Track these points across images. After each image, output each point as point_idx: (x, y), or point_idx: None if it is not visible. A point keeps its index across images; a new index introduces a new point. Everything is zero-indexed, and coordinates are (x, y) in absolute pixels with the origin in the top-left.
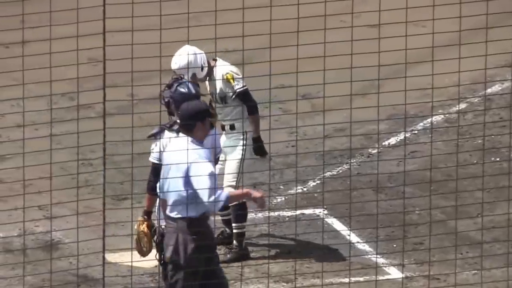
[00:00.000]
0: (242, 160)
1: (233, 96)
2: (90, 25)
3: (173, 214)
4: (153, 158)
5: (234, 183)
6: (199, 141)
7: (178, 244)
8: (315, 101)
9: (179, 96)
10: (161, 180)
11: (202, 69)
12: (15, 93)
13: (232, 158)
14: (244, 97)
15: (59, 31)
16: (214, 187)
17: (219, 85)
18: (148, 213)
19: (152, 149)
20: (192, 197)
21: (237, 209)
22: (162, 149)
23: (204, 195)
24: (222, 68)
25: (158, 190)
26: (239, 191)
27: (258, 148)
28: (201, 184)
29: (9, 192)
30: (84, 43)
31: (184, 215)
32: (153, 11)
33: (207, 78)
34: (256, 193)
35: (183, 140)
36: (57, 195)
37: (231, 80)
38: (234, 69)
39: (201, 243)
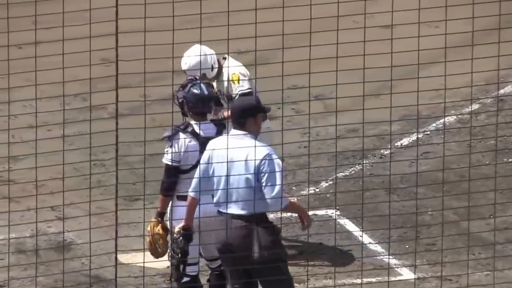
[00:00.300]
0: None
1: (236, 97)
2: (103, 26)
3: (244, 211)
4: (167, 160)
5: None
6: (255, 136)
7: (259, 241)
8: (328, 102)
9: (192, 97)
10: (207, 179)
11: (212, 69)
12: (27, 93)
13: None
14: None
15: (71, 32)
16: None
17: (226, 84)
18: (161, 215)
19: (166, 151)
20: (259, 192)
21: None
22: (178, 150)
23: (274, 191)
24: (231, 68)
25: (194, 190)
26: (298, 205)
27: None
28: (273, 180)
29: (22, 192)
30: (96, 43)
31: (259, 210)
32: (165, 11)
33: (217, 77)
34: (308, 217)
35: (244, 137)
36: (70, 196)
37: (236, 82)
38: (242, 70)
39: (279, 237)
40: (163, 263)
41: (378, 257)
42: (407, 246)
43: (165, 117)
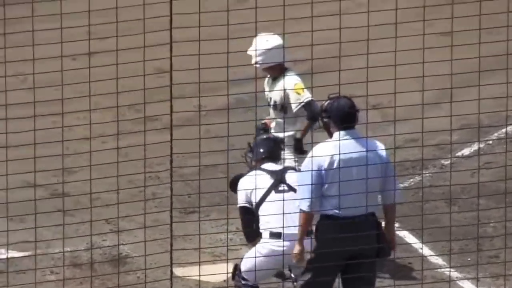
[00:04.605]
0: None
1: (298, 107)
2: (157, 36)
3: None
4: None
5: None
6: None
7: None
8: (386, 111)
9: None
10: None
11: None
12: (82, 105)
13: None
14: (309, 107)
15: (125, 42)
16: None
17: (282, 94)
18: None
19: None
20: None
21: None
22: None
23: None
24: (290, 78)
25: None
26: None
27: (298, 147)
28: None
29: (76, 205)
30: (150, 54)
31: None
32: (219, 21)
33: (272, 78)
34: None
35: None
36: (124, 209)
37: (301, 91)
38: (299, 78)
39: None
40: (219, 276)
41: (439, 270)
42: (468, 259)
43: (220, 128)
